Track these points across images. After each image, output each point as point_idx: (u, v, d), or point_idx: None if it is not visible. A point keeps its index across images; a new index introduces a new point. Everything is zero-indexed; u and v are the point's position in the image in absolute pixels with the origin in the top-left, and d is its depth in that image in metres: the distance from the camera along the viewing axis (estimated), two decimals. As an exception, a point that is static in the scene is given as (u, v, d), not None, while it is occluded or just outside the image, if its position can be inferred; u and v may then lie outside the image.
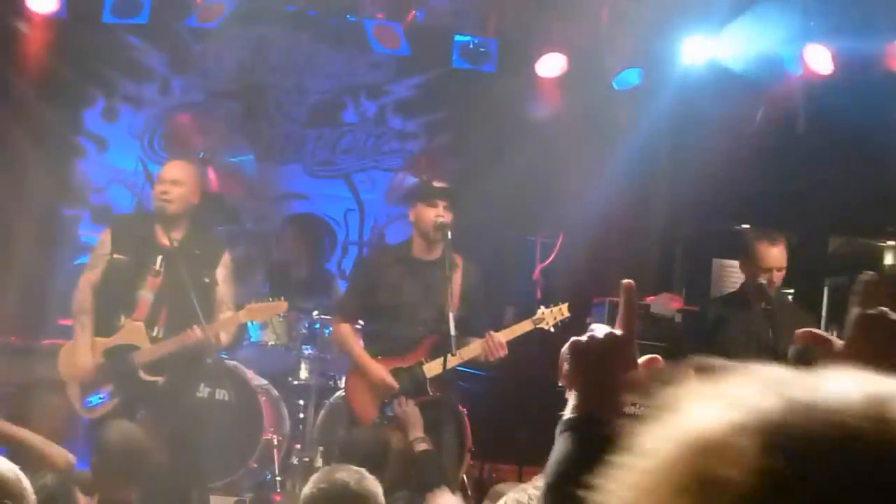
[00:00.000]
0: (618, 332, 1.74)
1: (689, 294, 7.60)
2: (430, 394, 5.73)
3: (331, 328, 6.60)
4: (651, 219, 8.32)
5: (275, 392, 6.88)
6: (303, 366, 7.08)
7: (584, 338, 1.76)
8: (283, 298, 5.98)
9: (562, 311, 5.85)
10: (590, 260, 7.56)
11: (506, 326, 5.88)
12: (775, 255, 6.10)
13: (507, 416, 7.15)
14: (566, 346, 1.76)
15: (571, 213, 7.62)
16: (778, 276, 6.13)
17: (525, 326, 5.80)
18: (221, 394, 6.61)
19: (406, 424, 5.42)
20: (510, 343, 5.70)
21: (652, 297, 7.03)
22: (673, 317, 6.95)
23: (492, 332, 5.66)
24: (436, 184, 5.83)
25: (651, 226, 8.33)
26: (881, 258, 10.26)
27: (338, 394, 6.79)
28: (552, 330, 5.75)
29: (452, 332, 5.48)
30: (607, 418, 1.66)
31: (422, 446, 5.28)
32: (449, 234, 5.69)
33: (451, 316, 5.50)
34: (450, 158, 8.34)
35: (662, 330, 6.81)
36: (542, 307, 5.88)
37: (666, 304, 6.99)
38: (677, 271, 8.69)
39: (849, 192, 8.14)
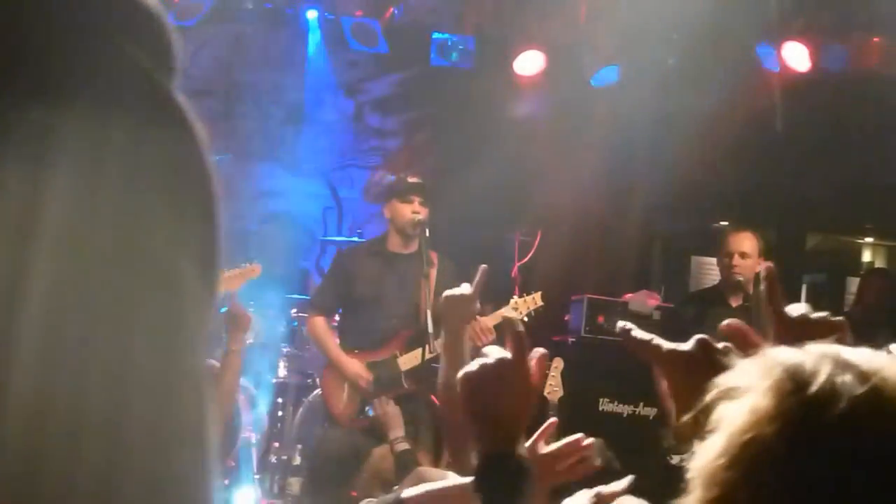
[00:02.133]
0: (507, 355, 1.65)
1: (667, 291, 7.60)
2: (405, 387, 5.70)
3: (306, 323, 6.56)
4: (629, 216, 8.32)
5: (253, 390, 6.85)
6: (281, 364, 7.05)
7: (474, 366, 1.64)
8: (255, 262, 5.77)
9: (535, 300, 5.77)
10: (568, 257, 7.56)
11: None
12: (736, 240, 6.15)
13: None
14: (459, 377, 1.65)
15: (550, 211, 7.62)
16: (742, 263, 6.13)
17: (498, 318, 5.73)
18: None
19: (387, 424, 5.39)
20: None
21: (630, 295, 7.03)
22: (651, 314, 6.94)
23: (479, 317, 5.53)
24: (410, 179, 5.79)
25: (629, 223, 8.34)
26: (859, 255, 10.31)
27: (316, 392, 6.75)
28: (525, 319, 5.69)
29: (430, 329, 5.44)
30: (514, 454, 1.58)
31: (402, 446, 5.25)
32: (426, 230, 5.66)
33: (427, 313, 5.46)
34: (428, 156, 8.32)
35: (640, 328, 6.80)
36: (515, 297, 5.83)
37: (644, 302, 6.98)
38: (656, 269, 8.71)
39: (827, 189, 8.17)
